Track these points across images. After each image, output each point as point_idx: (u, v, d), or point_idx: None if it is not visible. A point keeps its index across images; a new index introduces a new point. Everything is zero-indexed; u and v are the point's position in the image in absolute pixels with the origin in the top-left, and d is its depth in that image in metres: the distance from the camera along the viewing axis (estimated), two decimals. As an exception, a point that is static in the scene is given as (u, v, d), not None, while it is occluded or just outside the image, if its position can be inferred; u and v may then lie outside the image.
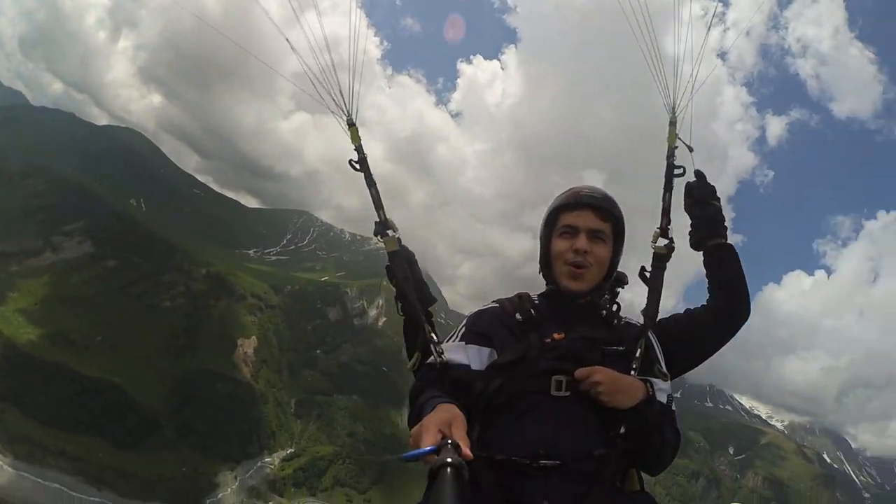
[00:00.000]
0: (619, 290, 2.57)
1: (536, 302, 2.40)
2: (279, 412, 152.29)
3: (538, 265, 2.53)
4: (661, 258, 2.54)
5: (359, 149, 2.76)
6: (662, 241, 2.56)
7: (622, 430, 2.04)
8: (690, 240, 2.69)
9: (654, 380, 2.17)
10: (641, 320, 2.42)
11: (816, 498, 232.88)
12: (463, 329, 2.38)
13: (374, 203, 2.74)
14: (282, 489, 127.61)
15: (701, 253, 2.68)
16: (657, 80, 2.78)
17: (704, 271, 2.65)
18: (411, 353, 2.63)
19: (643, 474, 2.27)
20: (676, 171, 2.67)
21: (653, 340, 2.33)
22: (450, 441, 1.41)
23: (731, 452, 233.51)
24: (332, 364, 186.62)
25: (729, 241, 2.64)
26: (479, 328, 2.33)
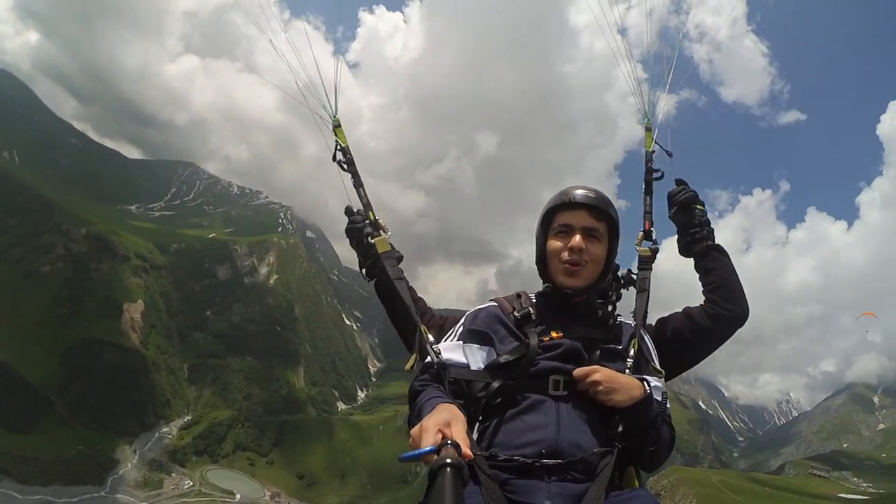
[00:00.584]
0: (624, 290, 2.58)
1: (534, 300, 2.41)
2: (172, 379, 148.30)
3: (536, 264, 2.52)
4: (647, 260, 2.65)
5: (345, 149, 2.80)
6: (647, 244, 2.69)
7: (620, 429, 2.07)
8: (678, 247, 2.78)
9: (649, 378, 2.19)
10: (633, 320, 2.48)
11: (694, 440, 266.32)
12: (460, 328, 2.37)
13: (362, 203, 2.78)
14: (183, 459, 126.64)
15: (692, 259, 2.74)
16: (633, 89, 2.87)
17: (698, 274, 2.70)
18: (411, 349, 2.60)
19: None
20: (655, 176, 2.81)
21: (646, 339, 2.39)
22: (449, 441, 1.41)
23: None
24: (224, 325, 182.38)
25: (718, 243, 2.68)
26: (477, 327, 2.33)
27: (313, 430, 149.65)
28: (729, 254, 2.70)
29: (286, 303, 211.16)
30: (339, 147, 2.83)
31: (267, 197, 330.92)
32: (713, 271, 2.62)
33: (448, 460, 1.28)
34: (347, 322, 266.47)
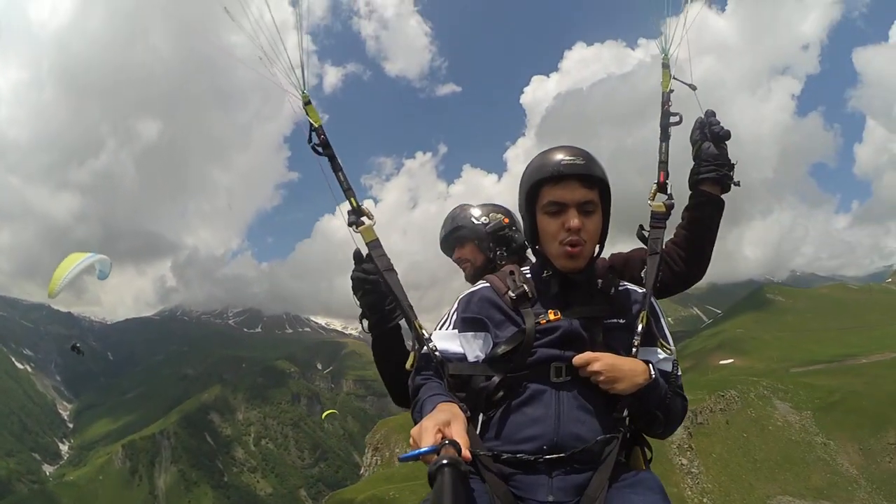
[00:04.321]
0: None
1: (528, 276, 2.20)
2: None
3: (526, 241, 2.27)
4: (661, 217, 2.31)
5: (319, 129, 2.36)
6: (661, 198, 2.34)
7: (625, 414, 1.95)
8: (691, 178, 2.44)
9: (657, 350, 2.06)
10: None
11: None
12: (454, 315, 2.19)
13: (343, 189, 2.38)
14: None
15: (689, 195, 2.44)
16: (650, 19, 2.51)
17: (684, 210, 2.43)
18: (384, 365, 2.47)
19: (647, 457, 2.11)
20: (673, 120, 2.43)
21: (656, 308, 2.16)
22: (448, 441, 1.41)
23: (320, 367, 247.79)
24: None
25: (723, 198, 2.40)
26: (471, 313, 2.14)
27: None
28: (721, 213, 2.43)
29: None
30: (312, 128, 2.38)
31: None
32: (707, 225, 2.40)
33: (448, 460, 1.28)
34: (20, 366, 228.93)
